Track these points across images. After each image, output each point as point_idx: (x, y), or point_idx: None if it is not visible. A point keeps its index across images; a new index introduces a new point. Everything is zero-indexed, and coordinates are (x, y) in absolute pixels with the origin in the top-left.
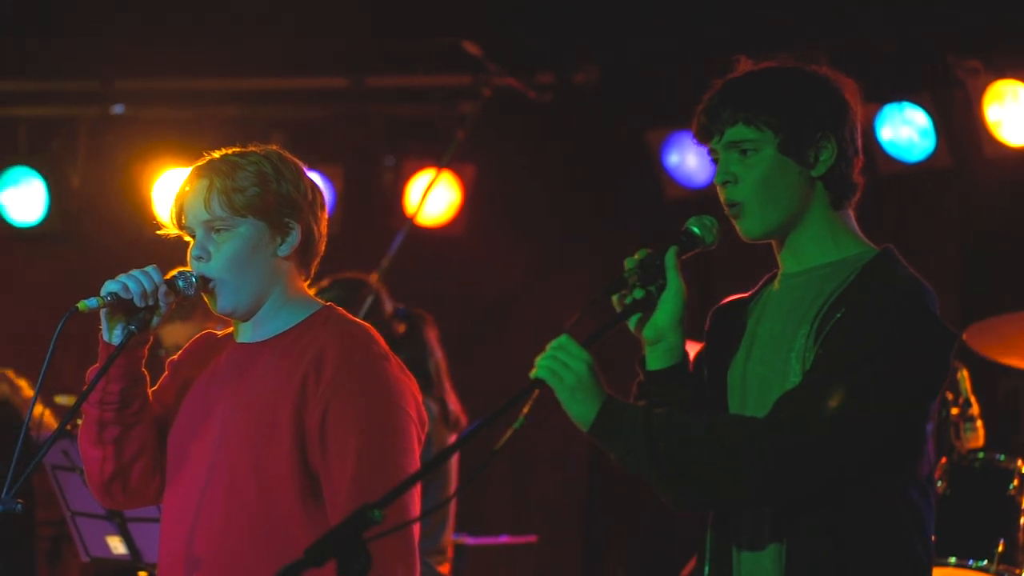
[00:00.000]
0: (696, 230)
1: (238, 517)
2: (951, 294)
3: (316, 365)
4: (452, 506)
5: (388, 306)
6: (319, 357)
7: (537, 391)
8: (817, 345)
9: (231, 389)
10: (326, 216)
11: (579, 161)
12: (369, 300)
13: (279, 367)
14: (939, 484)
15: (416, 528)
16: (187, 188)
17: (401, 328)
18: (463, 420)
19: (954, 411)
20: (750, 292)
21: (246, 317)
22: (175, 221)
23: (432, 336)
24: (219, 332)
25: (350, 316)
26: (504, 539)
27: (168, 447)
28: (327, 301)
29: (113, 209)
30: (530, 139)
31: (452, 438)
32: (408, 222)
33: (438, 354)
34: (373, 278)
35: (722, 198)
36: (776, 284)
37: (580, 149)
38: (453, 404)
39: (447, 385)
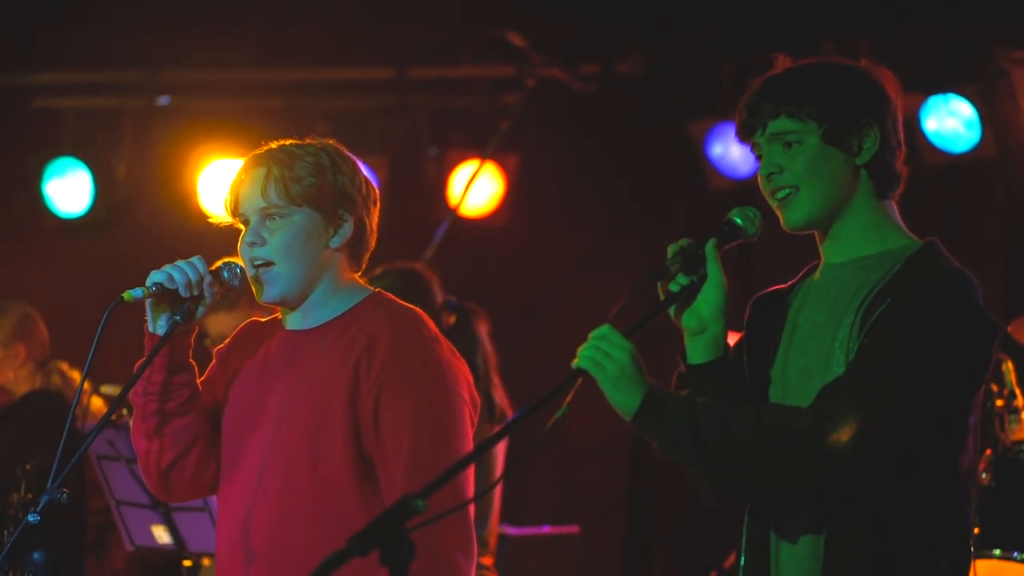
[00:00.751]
0: (739, 221)
1: (295, 505)
2: (996, 285)
3: (368, 351)
4: (497, 497)
5: (439, 297)
6: (371, 343)
7: (580, 380)
8: (862, 335)
9: (284, 378)
10: (378, 212)
11: (622, 152)
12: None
13: (331, 354)
14: (984, 476)
15: (471, 511)
16: (244, 176)
17: (451, 320)
18: (508, 414)
19: (999, 403)
20: (790, 283)
21: (294, 305)
22: (230, 209)
23: (482, 329)
24: (263, 319)
25: (400, 301)
26: (546, 529)
27: (222, 437)
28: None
29: (158, 200)
30: (573, 130)
31: (495, 431)
32: (451, 213)
33: (487, 347)
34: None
35: (765, 191)
36: (818, 274)
37: (623, 140)
38: (500, 398)
39: (495, 379)
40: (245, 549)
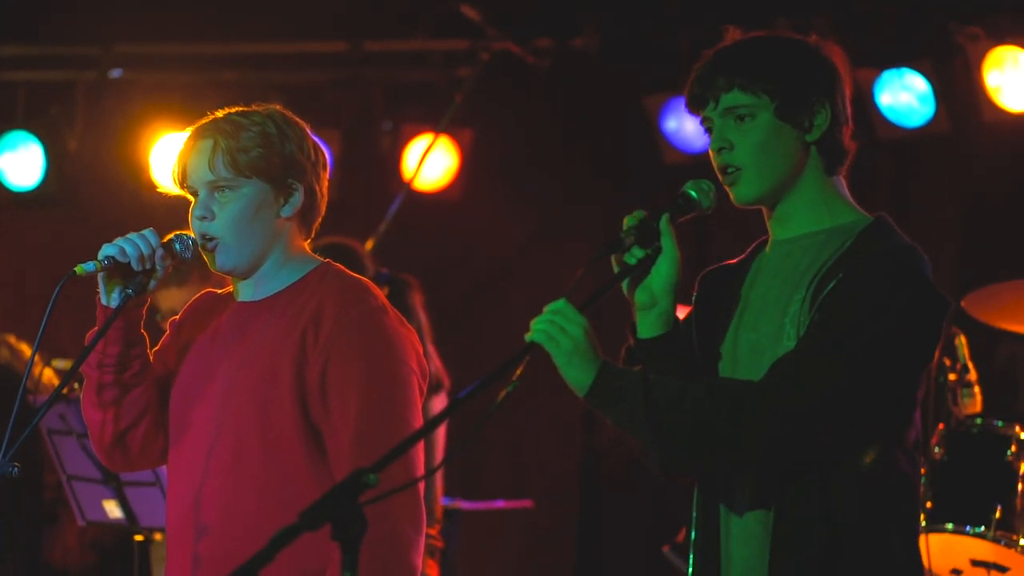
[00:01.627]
0: (693, 194)
1: (245, 476)
2: (949, 260)
3: (315, 321)
4: (440, 471)
5: (370, 270)
6: (317, 313)
7: (531, 354)
8: (813, 311)
9: (233, 348)
10: (328, 177)
11: (577, 126)
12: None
13: (278, 324)
14: (936, 450)
15: (421, 485)
16: (190, 147)
17: (384, 292)
18: (446, 382)
19: (952, 377)
20: (739, 258)
21: (246, 275)
22: (177, 180)
23: (416, 300)
24: (219, 291)
25: (347, 271)
26: (500, 504)
27: (171, 408)
28: None
29: (111, 173)
30: (528, 104)
31: (435, 400)
32: (405, 187)
33: (421, 318)
34: (368, 243)
35: (716, 164)
36: (768, 249)
37: (578, 114)
38: (436, 367)
39: (431, 349)
40: (195, 522)
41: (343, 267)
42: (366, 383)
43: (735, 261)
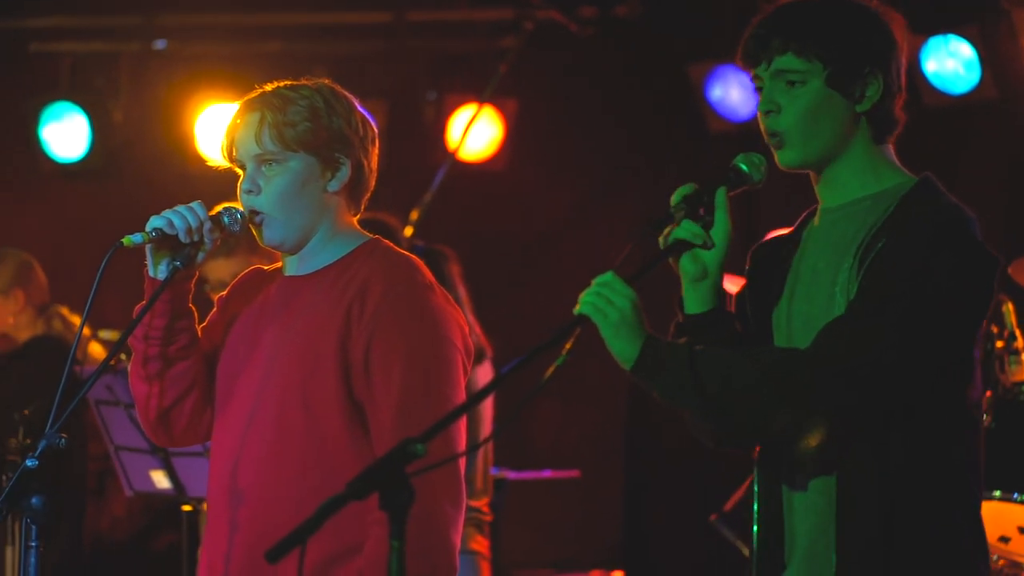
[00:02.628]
0: (744, 167)
1: (286, 448)
2: (996, 226)
3: (360, 296)
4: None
5: (404, 244)
6: (363, 288)
7: (581, 327)
8: (860, 277)
9: (277, 321)
10: (377, 151)
11: (621, 95)
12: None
13: (324, 299)
14: (984, 417)
15: (461, 461)
16: (238, 121)
17: None
18: (488, 351)
19: (999, 344)
20: (790, 229)
21: (294, 250)
22: (226, 154)
23: (454, 271)
24: (267, 267)
25: (395, 247)
26: (547, 474)
27: (216, 382)
28: None
29: (155, 144)
30: (572, 73)
31: (479, 370)
32: (450, 157)
33: (459, 290)
34: (413, 214)
35: (763, 126)
36: (816, 219)
37: (622, 83)
38: (477, 337)
39: (471, 319)
40: (234, 490)
41: (390, 243)
42: (409, 359)
43: (786, 233)
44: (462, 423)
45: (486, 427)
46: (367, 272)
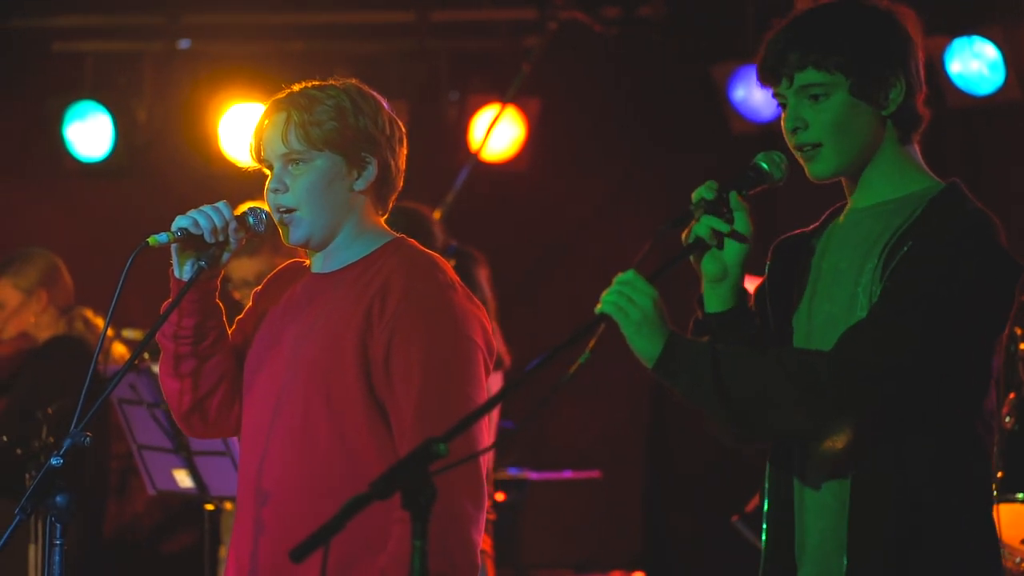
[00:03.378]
0: (765, 166)
1: (309, 447)
2: (1019, 228)
3: (382, 294)
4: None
5: (440, 240)
6: (385, 286)
7: (602, 326)
8: (884, 279)
9: (300, 318)
10: (404, 151)
11: (644, 95)
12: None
13: (346, 297)
14: (1007, 419)
15: (484, 460)
16: (266, 121)
17: (450, 264)
18: (506, 360)
19: (1022, 346)
20: (812, 226)
21: (319, 248)
22: (254, 154)
23: (483, 275)
24: (306, 261)
25: (419, 246)
26: (567, 474)
27: (244, 376)
28: None
29: (179, 144)
30: (595, 73)
31: (492, 379)
32: (472, 157)
33: (487, 294)
34: (436, 214)
35: (790, 143)
36: (842, 218)
37: (645, 83)
38: (498, 345)
39: (495, 325)
40: (258, 488)
41: (415, 241)
42: (429, 358)
43: (809, 229)
44: (484, 423)
45: (491, 429)
46: (389, 270)
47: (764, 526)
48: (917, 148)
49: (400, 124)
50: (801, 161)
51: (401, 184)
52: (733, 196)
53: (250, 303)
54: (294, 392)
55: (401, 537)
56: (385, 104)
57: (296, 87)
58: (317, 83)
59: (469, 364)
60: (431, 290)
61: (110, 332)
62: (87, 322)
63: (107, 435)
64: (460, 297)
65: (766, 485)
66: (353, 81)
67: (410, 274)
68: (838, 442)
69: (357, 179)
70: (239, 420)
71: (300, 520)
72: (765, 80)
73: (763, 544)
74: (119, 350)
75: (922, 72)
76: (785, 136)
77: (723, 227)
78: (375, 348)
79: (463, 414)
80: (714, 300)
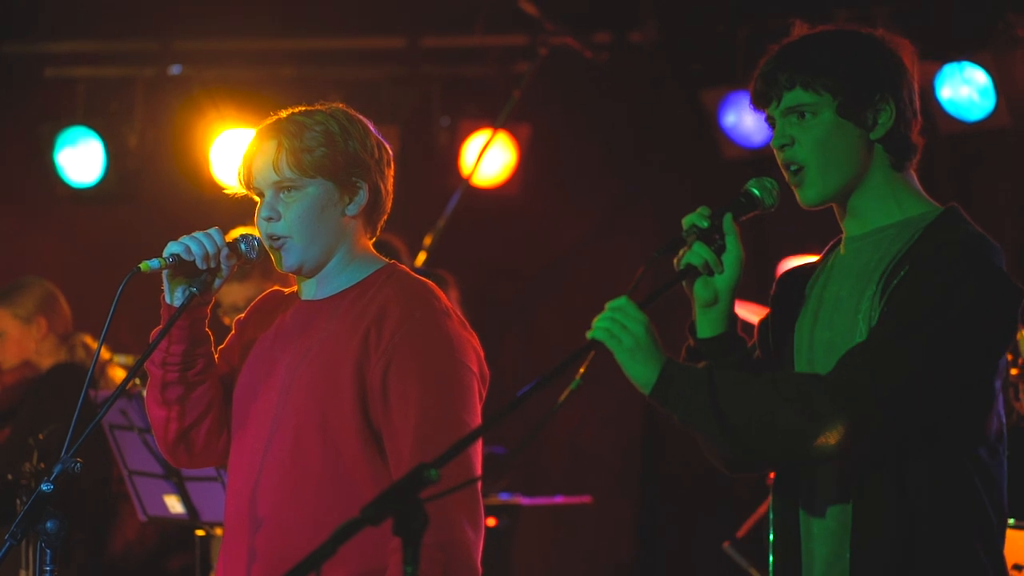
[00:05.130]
0: (756, 192)
1: (302, 471)
2: (1010, 253)
3: (378, 321)
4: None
5: (408, 265)
6: (381, 313)
7: (593, 352)
8: (882, 304)
9: (293, 345)
10: (393, 174)
11: (635, 121)
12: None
13: (341, 323)
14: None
15: (479, 485)
16: (255, 149)
17: None
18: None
19: (1013, 372)
20: (817, 257)
21: (311, 274)
22: (243, 182)
23: (453, 297)
24: (286, 290)
25: (412, 273)
26: (559, 499)
27: (233, 405)
28: None
29: (170, 170)
30: (586, 99)
31: None
32: (464, 182)
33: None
34: (427, 239)
35: (780, 161)
36: (842, 248)
37: (636, 109)
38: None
39: None
40: (252, 516)
41: (408, 268)
42: (426, 385)
43: (814, 261)
44: (479, 446)
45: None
46: (384, 298)
47: (771, 557)
48: (914, 175)
49: (387, 147)
50: (792, 188)
51: (390, 207)
52: (726, 221)
53: (232, 332)
54: (287, 419)
55: (398, 565)
56: (372, 127)
57: (283, 113)
58: (304, 108)
59: (465, 391)
60: (427, 317)
61: (106, 356)
62: (88, 348)
63: (108, 461)
64: (455, 324)
65: (771, 516)
66: (340, 105)
67: (406, 301)
68: (838, 467)
69: (349, 204)
70: (225, 451)
71: (293, 547)
72: (757, 102)
73: (771, 573)
74: (117, 375)
75: (916, 101)
76: (776, 156)
77: (713, 256)
78: (372, 375)
79: (459, 440)
80: (705, 326)
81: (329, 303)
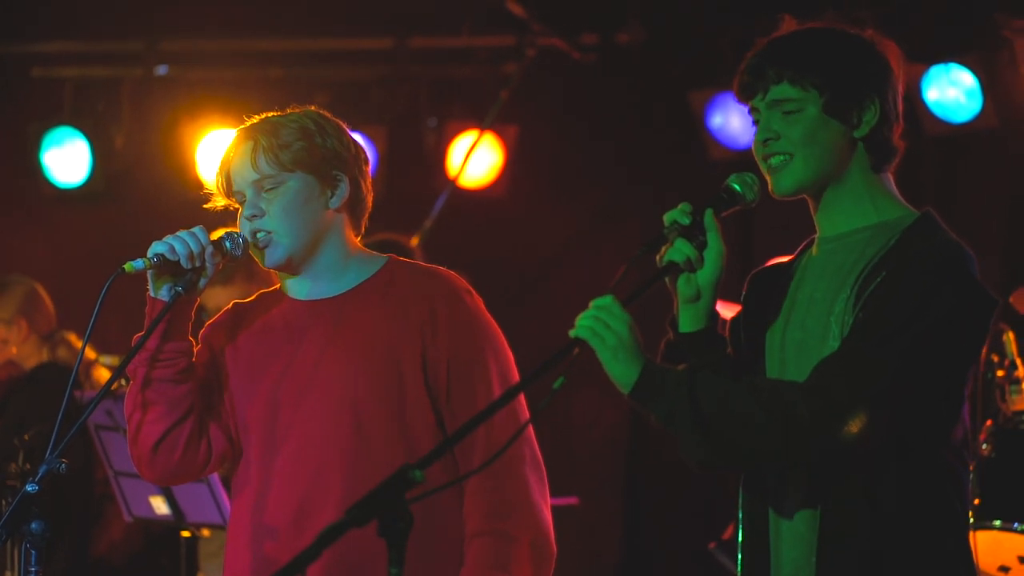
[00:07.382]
0: (737, 187)
1: (374, 465)
2: (997, 255)
3: (431, 315)
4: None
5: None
6: (430, 308)
7: (577, 350)
8: (857, 309)
9: (310, 343)
10: (370, 172)
11: (622, 122)
12: None
13: (382, 317)
14: (984, 447)
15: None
16: (232, 153)
17: None
18: None
19: (1000, 373)
20: (789, 258)
21: (298, 270)
22: (223, 189)
23: None
24: (245, 300)
25: (422, 263)
26: None
27: (249, 419)
28: None
29: (157, 170)
30: (573, 100)
31: None
32: (450, 184)
33: None
34: (414, 240)
35: (757, 155)
36: (815, 249)
37: (623, 110)
38: None
39: None
40: (312, 517)
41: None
42: (487, 375)
43: (786, 260)
44: (522, 400)
45: None
46: (426, 290)
47: (740, 556)
48: (891, 178)
49: (362, 147)
50: (767, 177)
51: (371, 204)
52: (707, 217)
53: (199, 347)
54: (343, 414)
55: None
56: (347, 128)
57: (256, 117)
58: (277, 112)
59: (512, 374)
60: (472, 307)
61: (92, 356)
62: (71, 347)
63: (92, 461)
64: (488, 314)
65: (740, 514)
66: (312, 107)
67: (449, 293)
68: (810, 472)
69: (331, 197)
70: (206, 461)
71: (367, 551)
72: (742, 94)
73: (739, 573)
74: (102, 375)
75: (900, 105)
76: (754, 150)
77: (695, 252)
78: (434, 368)
79: (519, 419)
80: (687, 320)
81: (350, 298)
